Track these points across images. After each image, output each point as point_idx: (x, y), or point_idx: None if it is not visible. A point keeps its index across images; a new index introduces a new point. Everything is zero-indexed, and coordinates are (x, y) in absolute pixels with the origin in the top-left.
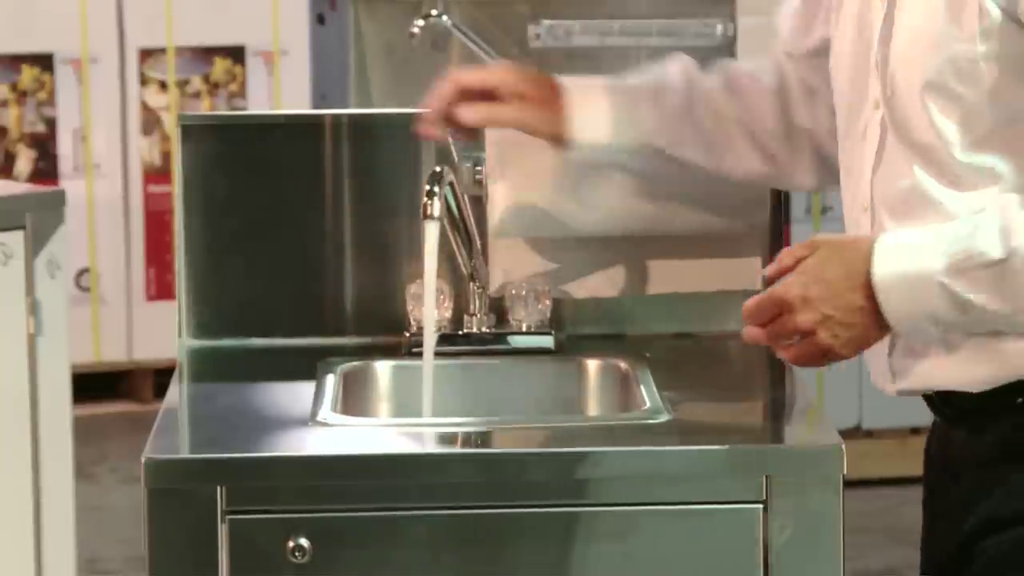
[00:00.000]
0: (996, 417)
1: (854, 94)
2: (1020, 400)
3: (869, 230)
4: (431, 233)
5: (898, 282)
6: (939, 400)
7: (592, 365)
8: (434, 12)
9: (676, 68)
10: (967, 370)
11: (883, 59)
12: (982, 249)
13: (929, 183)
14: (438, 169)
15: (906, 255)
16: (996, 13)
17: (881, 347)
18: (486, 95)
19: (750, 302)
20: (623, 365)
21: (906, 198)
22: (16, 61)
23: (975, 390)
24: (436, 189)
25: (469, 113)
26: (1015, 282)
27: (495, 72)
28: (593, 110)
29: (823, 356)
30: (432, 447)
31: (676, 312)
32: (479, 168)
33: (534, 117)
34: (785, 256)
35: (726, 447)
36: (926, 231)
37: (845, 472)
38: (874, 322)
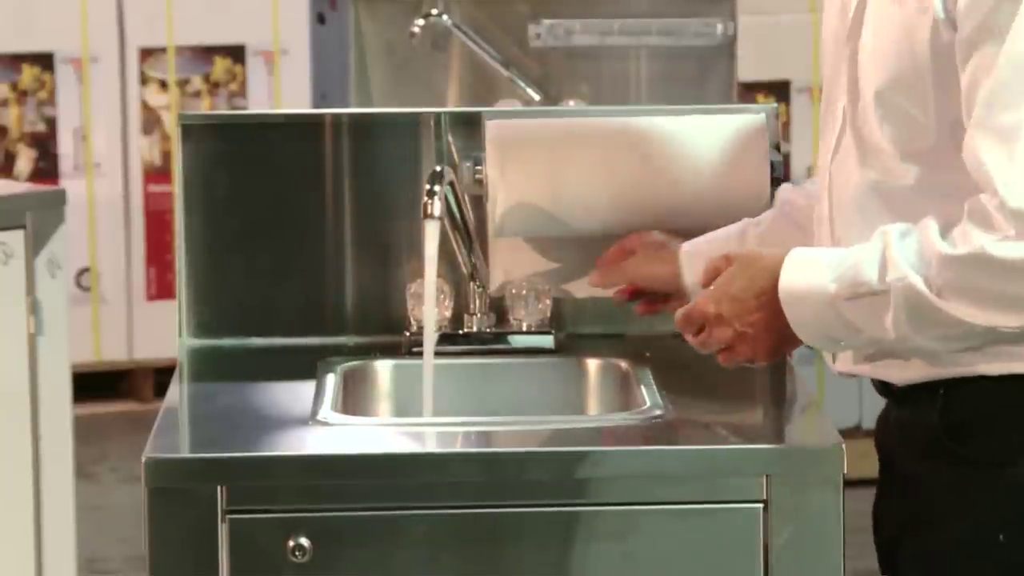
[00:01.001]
0: (921, 408)
1: (832, 79)
2: (942, 391)
3: (826, 219)
4: (431, 232)
5: (798, 299)
6: (876, 382)
7: (592, 365)
8: (434, 11)
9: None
10: (888, 367)
11: (852, 54)
12: (864, 279)
13: (870, 183)
14: (438, 168)
15: (806, 274)
16: (949, 35)
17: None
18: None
19: (679, 314)
20: (623, 365)
21: (852, 194)
22: (16, 60)
23: (896, 383)
24: (436, 188)
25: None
26: (894, 313)
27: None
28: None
29: (748, 362)
30: (432, 447)
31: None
32: (479, 168)
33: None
34: (710, 268)
35: (726, 447)
36: (830, 252)
37: (845, 472)
38: (785, 333)
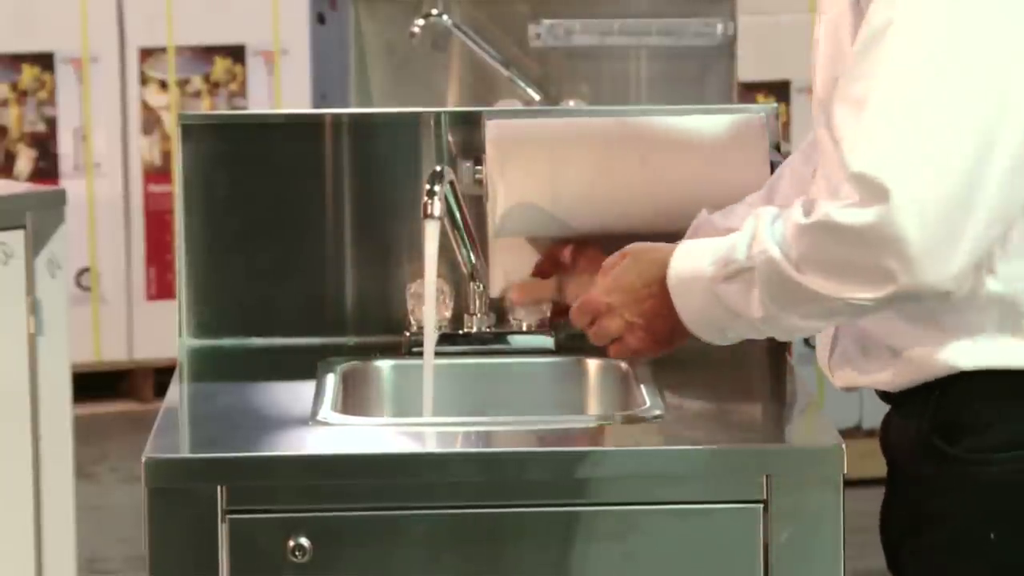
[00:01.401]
0: (915, 411)
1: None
2: (936, 394)
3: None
4: (431, 232)
5: (684, 286)
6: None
7: (592, 365)
8: (434, 11)
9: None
10: (879, 374)
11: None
12: (734, 257)
13: (821, 177)
14: (438, 168)
15: (691, 260)
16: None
17: (823, 350)
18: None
19: (573, 307)
20: (623, 365)
21: (811, 180)
22: (16, 60)
23: (892, 390)
24: (436, 188)
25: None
26: (759, 290)
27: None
28: None
29: (635, 353)
30: (432, 447)
31: None
32: (479, 168)
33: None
34: (607, 264)
35: (726, 447)
36: (718, 239)
37: (845, 472)
38: (674, 324)
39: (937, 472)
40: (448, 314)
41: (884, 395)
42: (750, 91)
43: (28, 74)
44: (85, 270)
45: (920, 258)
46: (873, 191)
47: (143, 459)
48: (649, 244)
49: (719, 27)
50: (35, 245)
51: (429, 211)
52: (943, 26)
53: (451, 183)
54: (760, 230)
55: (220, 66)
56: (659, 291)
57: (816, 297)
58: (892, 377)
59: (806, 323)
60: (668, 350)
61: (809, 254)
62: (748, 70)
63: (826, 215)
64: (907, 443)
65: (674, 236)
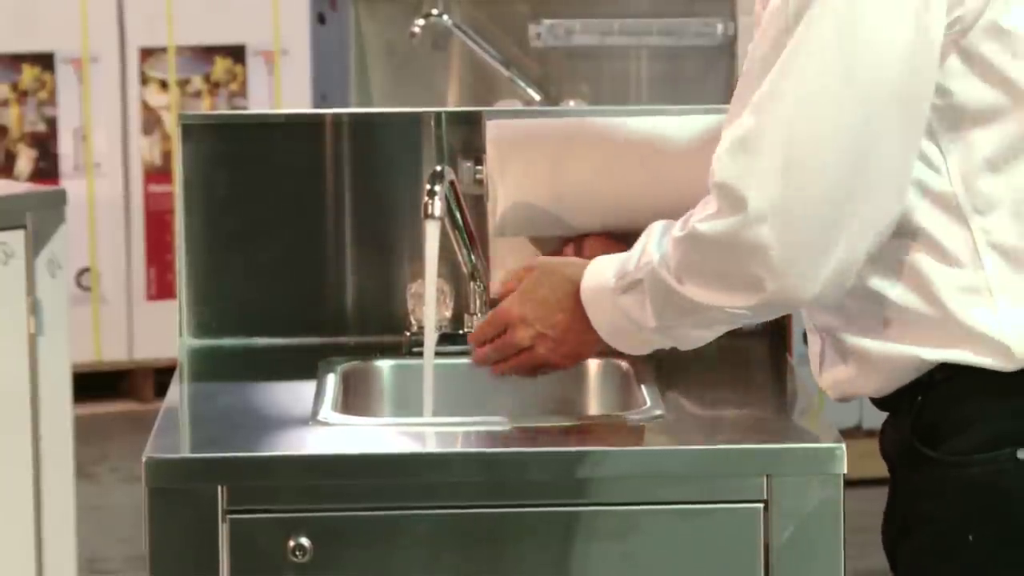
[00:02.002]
0: (902, 416)
1: None
2: (920, 399)
3: None
4: (432, 232)
5: (593, 299)
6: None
7: (592, 365)
8: (434, 11)
9: None
10: (861, 381)
11: None
12: (628, 269)
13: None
14: (438, 168)
15: (598, 275)
16: None
17: (815, 363)
18: None
19: (477, 327)
20: (623, 365)
21: None
22: (17, 60)
23: (876, 395)
24: (437, 188)
25: None
26: (650, 301)
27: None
28: None
29: (540, 367)
30: (432, 447)
31: None
32: (479, 168)
33: None
34: (512, 277)
35: (726, 447)
36: (624, 253)
37: (845, 472)
38: (586, 335)
39: (922, 475)
40: (448, 314)
41: (878, 403)
42: None
43: (28, 74)
44: (85, 270)
45: (783, 266)
46: (732, 201)
47: (143, 459)
48: (559, 259)
49: (719, 27)
50: (35, 245)
51: (429, 211)
52: (820, 38)
53: (451, 183)
54: (649, 242)
55: (220, 66)
56: (571, 305)
57: (696, 306)
58: (872, 382)
59: (697, 332)
60: (570, 364)
61: (683, 264)
62: None
63: (693, 227)
64: (897, 448)
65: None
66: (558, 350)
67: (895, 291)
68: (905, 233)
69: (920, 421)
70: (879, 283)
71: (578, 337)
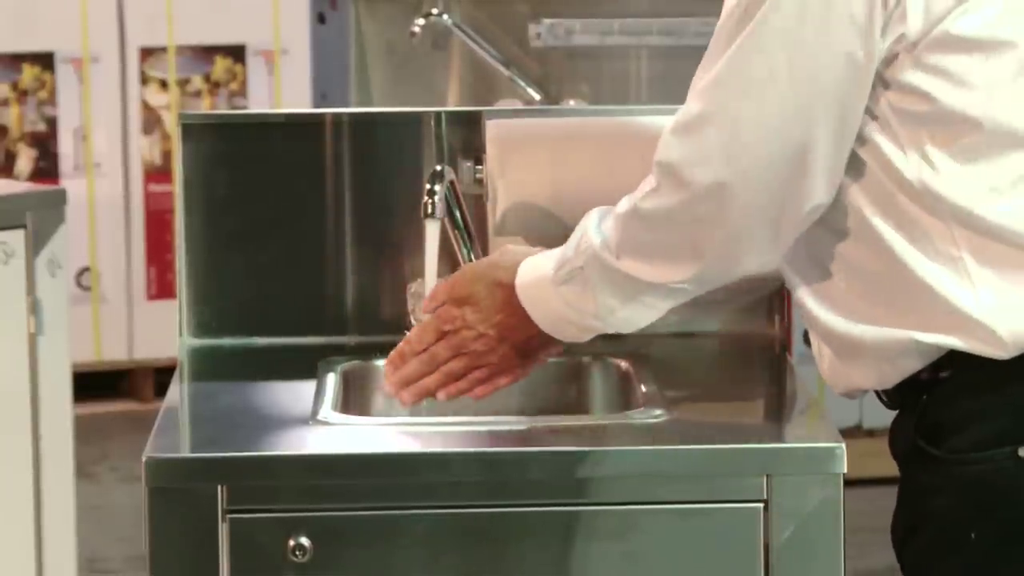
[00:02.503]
0: (907, 414)
1: None
2: (925, 398)
3: None
4: (432, 232)
5: (531, 294)
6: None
7: (592, 365)
8: (435, 11)
9: None
10: (864, 374)
11: None
12: (568, 257)
13: None
14: (438, 168)
15: (533, 270)
16: None
17: (819, 360)
18: None
19: (404, 341)
20: (623, 365)
21: None
22: (17, 60)
23: (880, 387)
24: (437, 188)
25: None
26: (593, 285)
27: None
28: None
29: (493, 368)
30: (432, 446)
31: (676, 311)
32: (479, 168)
33: None
34: (438, 290)
35: (726, 447)
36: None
37: (846, 471)
38: (527, 331)
39: (926, 474)
40: None
41: (886, 401)
42: None
43: (28, 74)
44: (85, 270)
45: (722, 241)
46: (673, 180)
47: (143, 459)
48: (485, 262)
49: None
50: (35, 245)
51: (429, 211)
52: (768, 35)
53: (451, 183)
54: (588, 229)
55: (220, 66)
56: (509, 306)
57: (637, 285)
58: (876, 377)
59: (639, 313)
60: (529, 366)
61: (624, 241)
62: None
63: (634, 203)
64: (902, 446)
65: None
66: (498, 350)
67: (879, 278)
68: (884, 220)
69: (924, 420)
70: (864, 271)
71: (519, 334)
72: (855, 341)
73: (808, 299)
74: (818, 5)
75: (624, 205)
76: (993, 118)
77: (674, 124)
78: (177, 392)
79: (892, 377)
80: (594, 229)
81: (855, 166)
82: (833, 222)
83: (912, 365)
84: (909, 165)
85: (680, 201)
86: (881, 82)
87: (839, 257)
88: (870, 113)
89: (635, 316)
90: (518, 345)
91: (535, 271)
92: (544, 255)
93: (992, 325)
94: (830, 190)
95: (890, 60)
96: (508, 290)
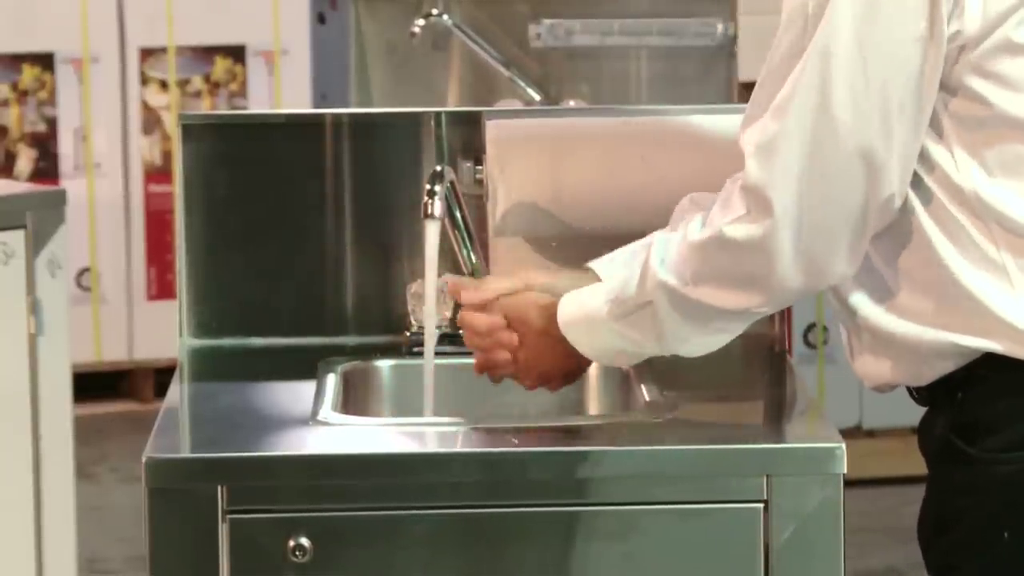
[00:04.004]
0: (940, 411)
1: None
2: (960, 396)
3: None
4: (432, 232)
5: (578, 329)
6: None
7: (592, 365)
8: (435, 11)
9: None
10: (899, 370)
11: None
12: (628, 295)
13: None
14: (438, 168)
15: (578, 306)
16: None
17: (848, 353)
18: None
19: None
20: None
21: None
22: (17, 60)
23: (914, 384)
24: (437, 188)
25: None
26: (663, 318)
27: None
28: None
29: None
30: (433, 447)
31: None
32: (479, 168)
33: None
34: (499, 287)
35: (726, 447)
36: (614, 278)
37: (846, 472)
38: (562, 365)
39: (958, 472)
40: (448, 314)
41: (917, 396)
42: (750, 91)
43: (28, 74)
44: (85, 270)
45: (795, 270)
46: (761, 205)
47: (143, 459)
48: (522, 301)
49: (719, 27)
50: (35, 245)
51: (429, 211)
52: (837, 40)
53: (451, 183)
54: (651, 259)
55: (220, 66)
56: (547, 340)
57: (715, 311)
58: (908, 369)
59: (713, 339)
60: (557, 386)
61: (702, 270)
62: (748, 70)
63: (718, 230)
64: (933, 443)
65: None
66: (530, 374)
67: (920, 280)
68: (930, 221)
69: (959, 418)
70: (908, 269)
71: (555, 366)
72: (893, 337)
73: (847, 291)
74: (887, 4)
75: (700, 232)
76: None
77: (755, 146)
78: (177, 392)
79: (927, 375)
80: (657, 259)
81: None
82: None
83: (948, 365)
84: (958, 170)
85: (767, 227)
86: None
87: (883, 253)
88: None
89: (709, 341)
90: (545, 375)
91: (580, 309)
92: (587, 290)
93: None
94: (904, 179)
95: (948, 60)
96: (545, 327)
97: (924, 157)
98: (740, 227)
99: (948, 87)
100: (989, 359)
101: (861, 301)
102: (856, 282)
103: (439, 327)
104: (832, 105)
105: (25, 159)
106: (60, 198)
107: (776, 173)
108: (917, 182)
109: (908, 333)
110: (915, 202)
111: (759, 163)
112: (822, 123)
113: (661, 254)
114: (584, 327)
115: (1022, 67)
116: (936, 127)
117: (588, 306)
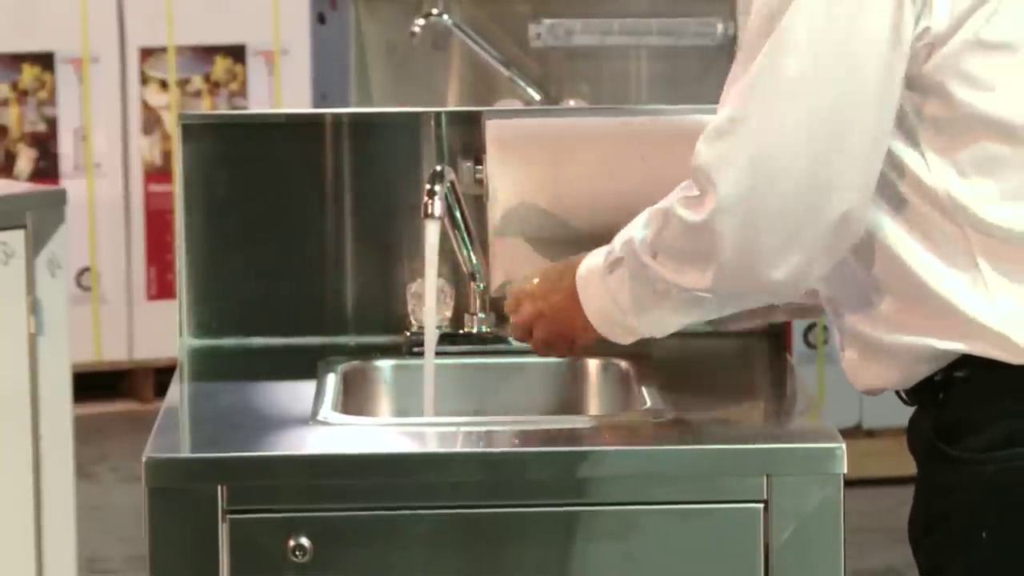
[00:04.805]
0: (925, 413)
1: None
2: (941, 397)
3: None
4: (432, 232)
5: (585, 281)
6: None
7: (592, 365)
8: (435, 11)
9: None
10: (885, 375)
11: None
12: (614, 248)
13: None
14: (438, 168)
15: (592, 256)
16: None
17: (840, 357)
18: None
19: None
20: (623, 365)
21: None
22: (17, 60)
23: (900, 388)
24: (437, 188)
25: None
26: (628, 281)
27: None
28: None
29: (537, 342)
30: (432, 447)
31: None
32: (479, 168)
33: None
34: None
35: (726, 447)
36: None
37: (845, 472)
38: (575, 321)
39: (941, 473)
40: (448, 314)
41: (907, 397)
42: None
43: (28, 74)
44: (85, 270)
45: (737, 257)
46: (706, 187)
47: (143, 459)
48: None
49: (719, 27)
50: (35, 245)
51: (429, 211)
52: (798, 31)
53: (451, 183)
54: (634, 224)
55: (220, 66)
56: (568, 287)
57: (667, 284)
58: (892, 374)
59: (671, 317)
60: (568, 350)
61: (656, 240)
62: None
63: (671, 205)
64: (920, 444)
65: None
66: (550, 329)
67: (895, 285)
68: (901, 228)
69: (941, 419)
70: (882, 279)
71: (570, 320)
72: (878, 345)
73: (833, 298)
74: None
75: (663, 203)
76: (1018, 123)
77: (707, 130)
78: (177, 392)
79: (911, 378)
80: (639, 226)
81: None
82: None
83: (928, 368)
84: (930, 171)
85: (709, 210)
86: (906, 84)
87: (861, 259)
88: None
89: (665, 319)
90: (562, 329)
91: (593, 259)
92: (607, 246)
93: (1008, 333)
94: (864, 193)
95: (916, 60)
96: (572, 275)
97: (894, 160)
98: (687, 207)
99: (919, 88)
100: (967, 361)
101: (845, 307)
102: (840, 288)
103: (439, 327)
104: (784, 99)
105: (25, 159)
106: (60, 198)
107: (723, 158)
108: (888, 185)
109: (888, 339)
110: (886, 206)
111: (707, 145)
112: (774, 117)
113: (644, 219)
114: (588, 278)
115: (992, 66)
116: (906, 129)
117: (596, 257)
